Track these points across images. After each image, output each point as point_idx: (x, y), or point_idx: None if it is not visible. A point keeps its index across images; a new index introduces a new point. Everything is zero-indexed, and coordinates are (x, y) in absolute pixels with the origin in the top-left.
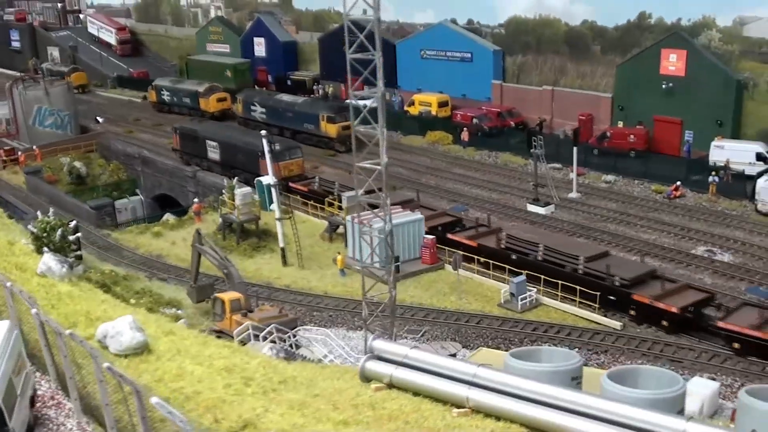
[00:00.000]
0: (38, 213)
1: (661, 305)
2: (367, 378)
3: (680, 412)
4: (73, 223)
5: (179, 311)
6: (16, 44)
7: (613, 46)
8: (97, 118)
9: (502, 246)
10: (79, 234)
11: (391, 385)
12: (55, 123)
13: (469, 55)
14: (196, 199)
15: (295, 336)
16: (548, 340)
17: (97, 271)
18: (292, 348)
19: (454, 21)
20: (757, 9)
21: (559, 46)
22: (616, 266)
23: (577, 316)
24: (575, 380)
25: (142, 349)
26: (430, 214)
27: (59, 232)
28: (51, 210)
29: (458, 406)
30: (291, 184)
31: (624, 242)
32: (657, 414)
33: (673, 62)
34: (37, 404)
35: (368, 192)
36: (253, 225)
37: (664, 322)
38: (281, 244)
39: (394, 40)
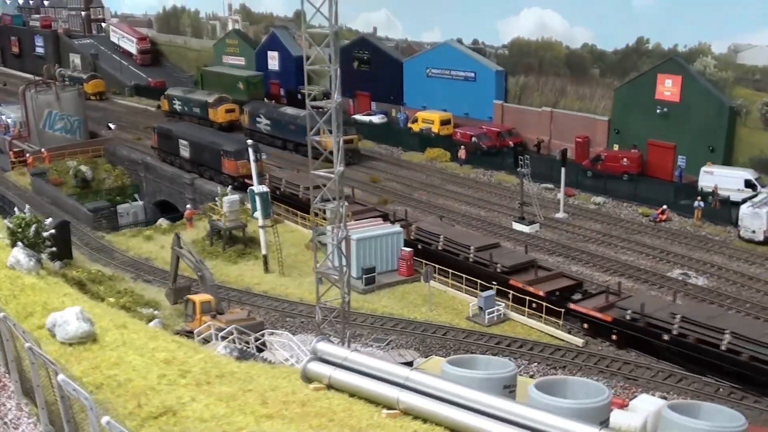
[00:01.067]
0: (15, 209)
1: (530, 289)
2: (308, 378)
3: (604, 422)
4: (48, 221)
5: (156, 311)
6: (40, 50)
7: (612, 69)
8: (109, 124)
9: (412, 237)
10: (52, 231)
11: (329, 386)
12: (65, 127)
13: (472, 74)
14: (188, 206)
15: (258, 339)
16: (509, 353)
17: (84, 270)
18: (249, 349)
19: (460, 41)
20: (752, 37)
21: (559, 68)
22: (500, 256)
23: (541, 332)
24: (507, 388)
25: (88, 339)
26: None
27: (33, 228)
28: (27, 207)
29: (390, 408)
30: (247, 181)
31: (601, 263)
32: (570, 421)
33: (668, 87)
34: None
35: (326, 200)
36: (240, 232)
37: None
38: (263, 252)
39: (402, 58)
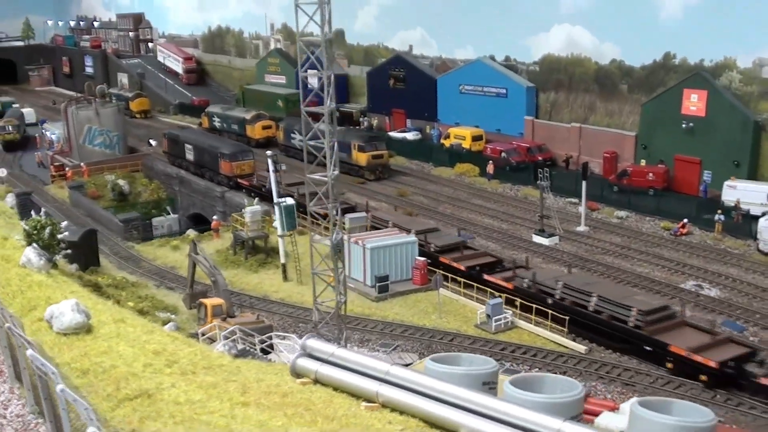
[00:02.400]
0: (32, 212)
1: (454, 264)
2: (297, 374)
3: (576, 417)
4: (64, 224)
5: (173, 315)
6: (89, 70)
7: (640, 85)
8: (150, 141)
9: (368, 226)
10: (66, 234)
11: (316, 380)
12: (104, 142)
13: (504, 90)
14: (215, 217)
15: (264, 342)
16: (512, 359)
17: (109, 276)
18: (252, 349)
19: (492, 58)
20: None
21: (589, 84)
22: (435, 238)
23: (547, 339)
24: (487, 385)
25: (82, 330)
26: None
27: (48, 230)
28: (42, 210)
29: (370, 401)
30: (239, 180)
31: (615, 274)
32: (537, 414)
33: (694, 102)
34: None
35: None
36: (263, 242)
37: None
38: (282, 260)
39: (436, 75)
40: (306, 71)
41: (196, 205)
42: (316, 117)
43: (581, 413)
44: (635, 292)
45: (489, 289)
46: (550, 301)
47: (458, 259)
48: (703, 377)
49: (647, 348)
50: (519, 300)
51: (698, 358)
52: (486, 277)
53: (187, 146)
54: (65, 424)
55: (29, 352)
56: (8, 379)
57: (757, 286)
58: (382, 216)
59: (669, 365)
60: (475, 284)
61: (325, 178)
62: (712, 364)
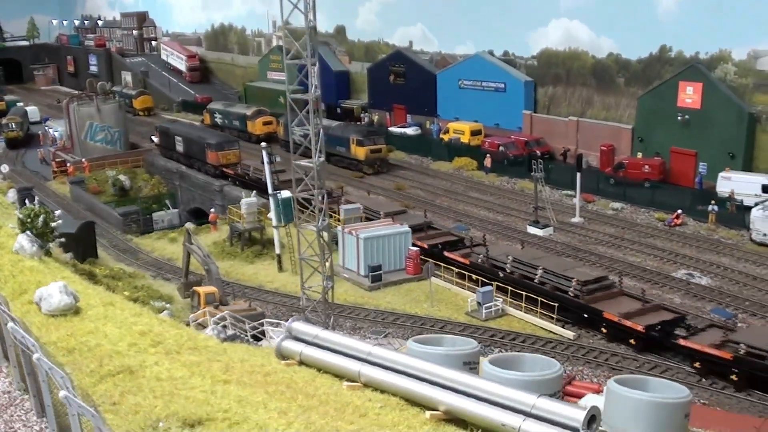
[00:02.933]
0: (26, 201)
1: (418, 243)
2: (282, 356)
3: (554, 394)
4: (58, 212)
5: (168, 305)
6: (94, 68)
7: (636, 78)
8: (152, 137)
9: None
10: (59, 222)
11: (301, 362)
12: (106, 138)
13: (502, 85)
14: (212, 209)
15: (256, 328)
16: (501, 346)
17: (106, 268)
18: (242, 335)
19: (491, 53)
20: None
21: (586, 78)
22: (403, 219)
23: (536, 326)
24: (468, 365)
25: (70, 311)
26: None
27: (41, 218)
28: (36, 199)
29: (352, 381)
30: (225, 169)
31: (608, 263)
32: (512, 390)
33: (689, 95)
34: None
35: (305, 190)
36: (258, 234)
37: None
38: (277, 251)
39: (436, 70)
40: (292, 59)
41: (196, 199)
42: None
43: (560, 391)
44: (577, 265)
45: (449, 266)
46: (501, 274)
47: (422, 238)
48: (632, 341)
49: (585, 315)
50: (472, 275)
51: (627, 322)
52: (446, 253)
53: (177, 138)
54: (46, 396)
55: (10, 325)
56: None
57: (748, 275)
58: (355, 200)
59: (603, 330)
60: (439, 263)
61: (311, 164)
62: (640, 328)
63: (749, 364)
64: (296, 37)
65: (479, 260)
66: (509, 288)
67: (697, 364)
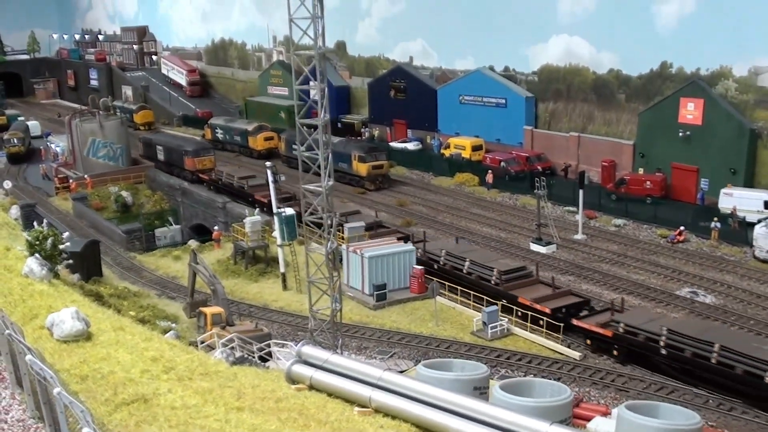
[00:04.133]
0: (34, 223)
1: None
2: (292, 380)
3: (565, 420)
4: (65, 235)
5: (173, 324)
6: (94, 83)
7: (637, 94)
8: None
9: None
10: (68, 244)
11: (311, 387)
12: (108, 155)
13: (503, 101)
14: (216, 227)
15: (262, 349)
16: (507, 366)
17: (111, 286)
18: (250, 356)
19: (492, 68)
20: None
21: (587, 93)
22: (355, 219)
23: (542, 346)
24: (478, 390)
25: (82, 337)
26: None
27: (50, 241)
28: (45, 221)
29: (363, 406)
30: (200, 175)
31: (611, 281)
32: (525, 417)
33: (690, 111)
34: None
35: (313, 214)
36: (263, 252)
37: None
38: (282, 270)
39: (437, 86)
40: (302, 84)
41: (198, 216)
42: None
43: (570, 417)
44: (501, 257)
45: None
46: (435, 267)
47: (373, 236)
48: (541, 322)
49: (504, 300)
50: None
51: (537, 306)
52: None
53: (158, 147)
54: (63, 427)
55: (28, 357)
56: (10, 385)
57: (752, 293)
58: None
59: (519, 313)
60: None
61: (320, 188)
62: (547, 310)
63: (626, 340)
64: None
65: (418, 254)
66: (444, 280)
67: (588, 342)
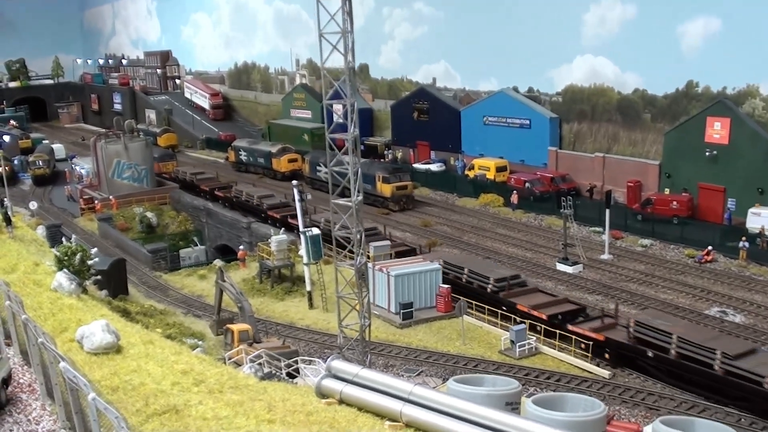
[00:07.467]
0: (63, 239)
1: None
2: (322, 394)
3: None
4: (94, 250)
5: (200, 342)
6: (118, 107)
7: (663, 114)
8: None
9: None
10: (96, 259)
11: (341, 401)
12: (132, 176)
13: (527, 121)
14: (241, 247)
15: (290, 366)
16: (536, 384)
17: (138, 304)
18: (278, 373)
19: (515, 89)
20: None
21: (612, 114)
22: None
23: (571, 364)
24: (510, 405)
25: (112, 349)
26: None
27: (78, 256)
28: (73, 237)
29: (394, 420)
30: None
31: (639, 300)
32: (556, 431)
33: (717, 130)
34: (14, 388)
35: (344, 227)
36: (288, 271)
37: None
38: (308, 288)
39: (460, 107)
40: (330, 99)
41: (223, 236)
42: (341, 146)
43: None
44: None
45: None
46: None
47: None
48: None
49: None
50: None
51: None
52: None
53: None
54: None
55: (62, 364)
56: (40, 396)
57: None
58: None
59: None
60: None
61: (350, 203)
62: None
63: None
64: (320, 74)
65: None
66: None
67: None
